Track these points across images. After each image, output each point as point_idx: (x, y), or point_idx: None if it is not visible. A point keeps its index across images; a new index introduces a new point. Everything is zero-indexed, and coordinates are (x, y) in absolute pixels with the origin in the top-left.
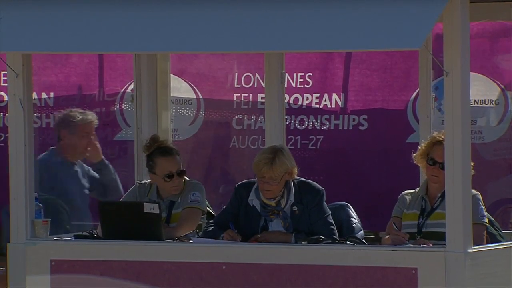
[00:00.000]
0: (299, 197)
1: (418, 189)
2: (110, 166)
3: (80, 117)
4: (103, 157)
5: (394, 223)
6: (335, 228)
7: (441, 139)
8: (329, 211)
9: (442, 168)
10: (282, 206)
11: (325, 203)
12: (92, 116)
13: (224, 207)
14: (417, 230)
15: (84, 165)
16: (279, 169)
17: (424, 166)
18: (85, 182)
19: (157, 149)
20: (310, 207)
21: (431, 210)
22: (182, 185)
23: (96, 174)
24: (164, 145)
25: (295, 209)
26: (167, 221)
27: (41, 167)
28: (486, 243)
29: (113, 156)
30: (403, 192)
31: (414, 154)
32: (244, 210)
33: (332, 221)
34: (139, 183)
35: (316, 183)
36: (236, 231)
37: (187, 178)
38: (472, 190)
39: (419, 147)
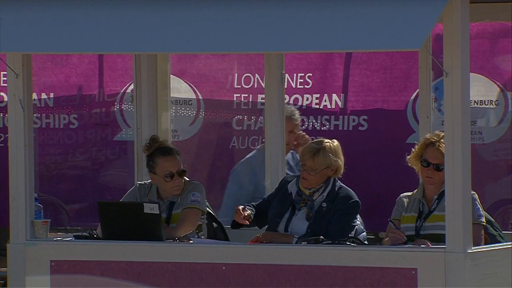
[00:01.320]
0: (332, 197)
1: (416, 191)
2: None
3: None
4: None
5: (393, 223)
6: (348, 237)
7: (434, 140)
8: (354, 225)
9: (437, 169)
10: (314, 198)
11: (358, 216)
12: (296, 111)
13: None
14: (415, 232)
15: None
16: (320, 161)
17: (419, 168)
18: None
19: (157, 149)
20: (338, 210)
21: (428, 212)
22: (182, 185)
23: None
24: (164, 145)
25: (324, 206)
26: (167, 222)
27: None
28: (485, 243)
29: (113, 157)
30: (401, 194)
31: (408, 157)
32: (281, 195)
33: (350, 232)
34: (139, 183)
35: (355, 195)
36: (254, 211)
37: (187, 179)
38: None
39: (413, 149)
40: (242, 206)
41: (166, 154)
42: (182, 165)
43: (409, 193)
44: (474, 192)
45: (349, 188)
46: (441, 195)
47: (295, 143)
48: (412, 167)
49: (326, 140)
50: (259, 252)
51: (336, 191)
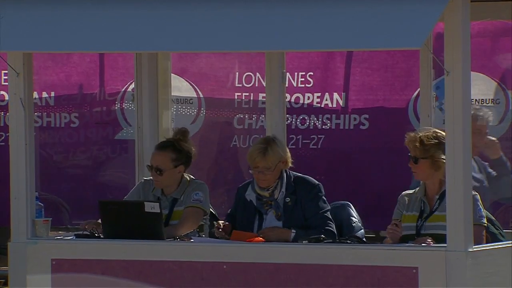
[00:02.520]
0: (292, 189)
1: (418, 189)
2: (508, 164)
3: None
4: (501, 153)
5: (395, 223)
6: (333, 223)
7: (414, 133)
8: (327, 207)
9: (414, 162)
10: (276, 197)
11: (324, 199)
12: (485, 113)
13: (228, 211)
14: (416, 232)
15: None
16: (272, 158)
17: None
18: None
19: (160, 142)
20: (305, 201)
21: (430, 212)
22: (165, 182)
23: (492, 171)
24: (166, 140)
25: (287, 200)
26: (169, 218)
27: None
28: (486, 242)
29: (114, 155)
30: (403, 193)
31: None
32: (242, 207)
33: (329, 216)
34: (144, 179)
35: (312, 178)
36: (227, 223)
37: (193, 178)
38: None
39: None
40: (222, 222)
41: (157, 148)
42: (169, 163)
43: (411, 191)
44: (476, 193)
45: (300, 174)
46: (443, 195)
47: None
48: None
49: (269, 137)
50: (260, 251)
51: (293, 181)
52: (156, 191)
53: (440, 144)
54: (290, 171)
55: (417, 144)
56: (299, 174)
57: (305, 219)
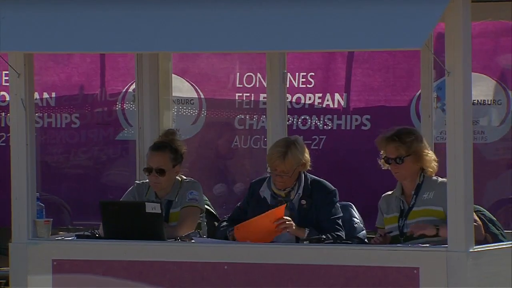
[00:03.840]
0: (308, 192)
1: (395, 189)
2: None
3: None
4: None
5: (379, 232)
6: (343, 231)
7: (388, 135)
8: (340, 213)
9: (398, 162)
10: (291, 198)
11: (338, 205)
12: None
13: (238, 204)
14: (399, 232)
15: None
16: (291, 163)
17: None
18: None
19: (155, 143)
20: (320, 205)
21: (408, 209)
22: (162, 184)
23: None
24: (162, 140)
25: (303, 203)
26: (165, 221)
27: None
28: (486, 242)
29: (115, 156)
30: (383, 195)
31: (380, 161)
32: (255, 202)
33: (341, 223)
34: (137, 183)
35: (328, 183)
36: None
37: (184, 177)
38: (444, 179)
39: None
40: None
41: (155, 149)
42: (169, 164)
43: (390, 192)
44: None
45: (318, 178)
46: (418, 189)
47: None
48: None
49: (289, 139)
50: (261, 252)
51: (310, 184)
52: (150, 195)
53: (418, 138)
54: (308, 174)
55: (398, 144)
56: (316, 178)
57: (317, 223)
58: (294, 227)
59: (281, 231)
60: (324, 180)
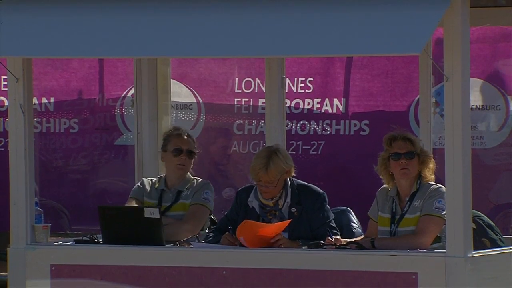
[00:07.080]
0: (297, 199)
1: (391, 188)
2: None
3: None
4: None
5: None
6: (338, 232)
7: (393, 134)
8: (332, 215)
9: (409, 157)
10: (280, 206)
11: (328, 207)
12: None
13: (225, 212)
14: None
15: None
16: (275, 172)
17: (391, 168)
18: None
19: (175, 134)
20: (312, 211)
21: (401, 216)
22: (187, 167)
23: None
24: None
25: (293, 211)
26: (169, 208)
27: None
28: (485, 248)
29: (113, 161)
30: (382, 187)
31: (376, 167)
32: (243, 212)
33: (334, 225)
34: (144, 178)
35: (316, 187)
36: (234, 235)
37: (198, 178)
38: (439, 185)
39: (378, 159)
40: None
41: (182, 133)
42: (194, 149)
43: (388, 188)
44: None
45: (304, 182)
46: (412, 196)
47: None
48: (382, 177)
49: (270, 149)
50: (260, 257)
51: (298, 192)
52: (160, 185)
53: (418, 140)
54: (294, 179)
55: (409, 141)
56: (302, 182)
57: (311, 230)
58: (288, 243)
59: (276, 246)
60: (311, 184)
